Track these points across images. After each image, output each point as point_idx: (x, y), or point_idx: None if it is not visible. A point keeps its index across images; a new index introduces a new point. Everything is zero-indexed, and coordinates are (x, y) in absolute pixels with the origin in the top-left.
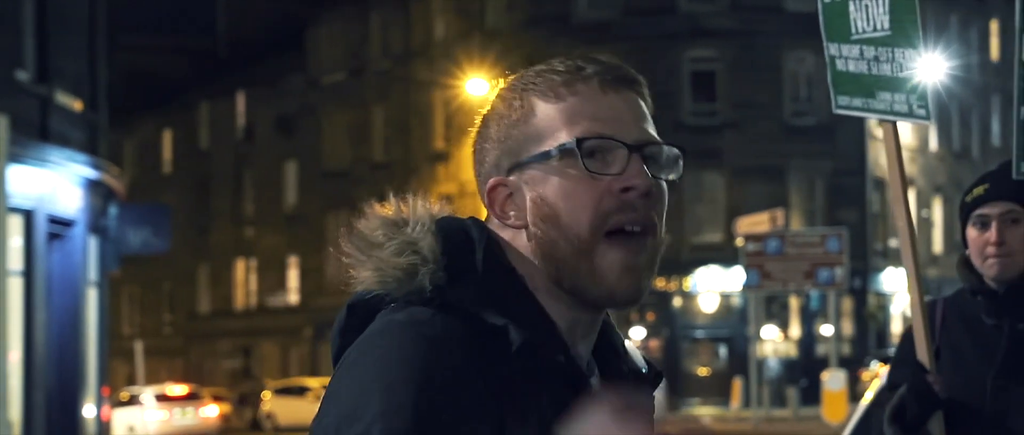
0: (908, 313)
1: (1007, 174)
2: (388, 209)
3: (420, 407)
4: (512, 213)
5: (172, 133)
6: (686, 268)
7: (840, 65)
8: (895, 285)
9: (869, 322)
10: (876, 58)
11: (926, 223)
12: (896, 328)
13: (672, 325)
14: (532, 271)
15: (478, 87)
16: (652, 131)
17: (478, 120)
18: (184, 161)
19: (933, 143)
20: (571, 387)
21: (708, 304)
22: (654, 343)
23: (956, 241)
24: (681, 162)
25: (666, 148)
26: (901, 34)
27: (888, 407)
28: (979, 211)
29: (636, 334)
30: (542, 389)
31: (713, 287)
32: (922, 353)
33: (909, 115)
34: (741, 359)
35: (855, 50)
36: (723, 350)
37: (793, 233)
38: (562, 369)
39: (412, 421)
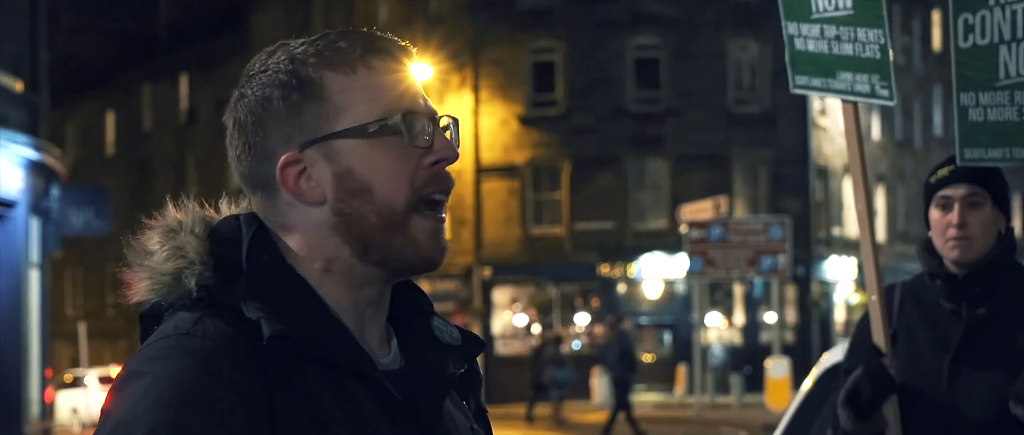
0: (851, 300)
1: None
2: (173, 214)
3: (178, 428)
4: (308, 189)
5: (115, 115)
6: (630, 255)
7: (799, 44)
8: (838, 274)
9: (812, 310)
10: (837, 37)
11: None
12: (839, 316)
13: (616, 311)
14: (322, 252)
15: (421, 72)
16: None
17: (239, 97)
18: (127, 143)
19: (875, 132)
20: (348, 368)
21: (652, 291)
22: (598, 329)
23: (899, 230)
24: (457, 132)
25: (448, 117)
26: (864, 13)
27: (842, 390)
28: (942, 192)
29: (580, 320)
30: (318, 375)
31: (657, 274)
32: (879, 336)
33: (871, 96)
34: (685, 346)
35: (815, 29)
36: (667, 337)
37: (736, 221)
38: (332, 352)
39: None
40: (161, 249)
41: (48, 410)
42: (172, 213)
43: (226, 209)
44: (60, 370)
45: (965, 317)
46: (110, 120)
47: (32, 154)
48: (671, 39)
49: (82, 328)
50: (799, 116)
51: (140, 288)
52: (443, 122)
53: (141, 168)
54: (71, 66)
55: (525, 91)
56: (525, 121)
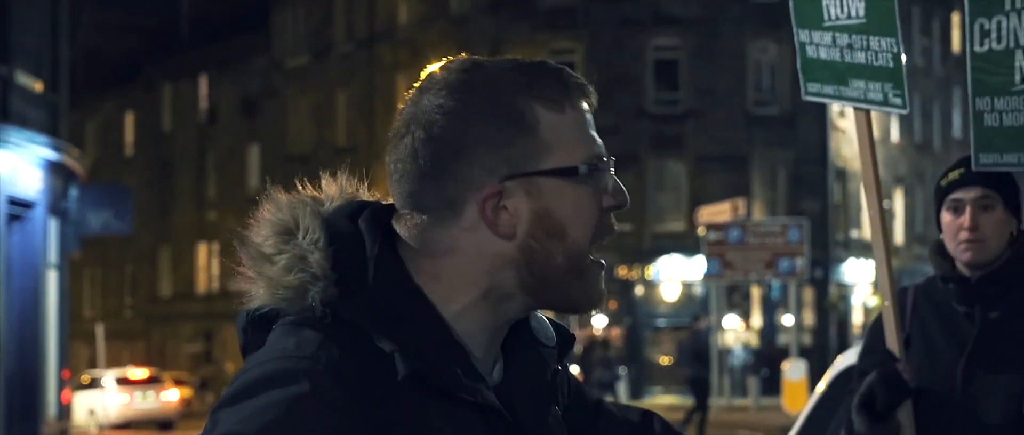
0: (869, 303)
1: None
2: (283, 205)
3: None
4: (503, 222)
5: (134, 115)
6: (648, 256)
7: (810, 52)
8: (856, 276)
9: (830, 313)
10: (850, 45)
11: (887, 214)
12: (857, 319)
13: (634, 313)
14: (490, 280)
15: None
16: None
17: (447, 113)
18: (146, 143)
19: (895, 134)
20: (471, 403)
21: (670, 293)
22: (616, 331)
23: (917, 233)
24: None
25: (611, 158)
26: (877, 22)
27: (856, 395)
28: (953, 195)
29: (598, 322)
30: (437, 408)
31: (675, 276)
32: (892, 341)
33: (884, 104)
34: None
35: (827, 37)
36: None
37: (755, 222)
38: (460, 389)
39: None
40: (280, 255)
41: (65, 411)
42: (282, 202)
43: (330, 188)
44: (77, 371)
45: (979, 319)
46: (130, 120)
47: (51, 154)
48: (691, 40)
49: (100, 329)
50: (818, 118)
51: (259, 296)
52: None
53: (161, 168)
54: (91, 65)
55: None
56: None
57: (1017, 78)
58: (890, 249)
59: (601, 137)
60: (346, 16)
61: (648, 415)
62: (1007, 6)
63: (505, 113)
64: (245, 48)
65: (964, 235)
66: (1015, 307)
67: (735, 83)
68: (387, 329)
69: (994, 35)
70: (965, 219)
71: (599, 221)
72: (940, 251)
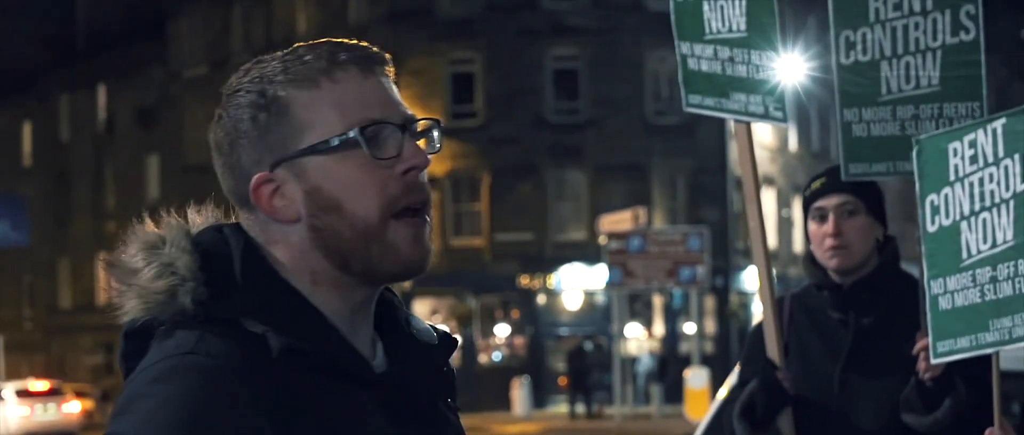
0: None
1: None
2: (149, 229)
3: None
4: (282, 208)
5: (31, 124)
6: (550, 266)
7: (692, 64)
8: (757, 284)
9: (731, 320)
10: (731, 59)
11: (787, 222)
12: None
13: (536, 322)
14: (307, 265)
15: None
16: (407, 106)
17: (217, 118)
18: (44, 153)
19: (793, 143)
20: (352, 376)
21: (572, 302)
22: (519, 340)
23: None
24: (438, 133)
25: (427, 122)
26: (759, 36)
27: (738, 403)
28: (817, 204)
29: (500, 331)
30: (321, 385)
31: (577, 285)
32: (772, 349)
33: (765, 116)
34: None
35: (709, 50)
36: (588, 347)
37: (655, 231)
38: (337, 361)
39: None
40: (148, 266)
41: None
42: (148, 226)
43: (195, 218)
44: None
45: (853, 326)
46: (27, 130)
47: None
48: (589, 49)
49: None
50: (717, 127)
51: (131, 307)
52: (422, 125)
53: (58, 178)
54: None
55: (444, 101)
56: (444, 132)
57: (883, 89)
58: (768, 257)
59: (501, 146)
60: (244, 25)
61: None
62: (871, 18)
63: (262, 103)
64: (142, 58)
65: (829, 242)
66: (887, 313)
67: (634, 92)
68: (257, 315)
69: (859, 47)
70: (829, 226)
71: (387, 185)
72: (813, 260)
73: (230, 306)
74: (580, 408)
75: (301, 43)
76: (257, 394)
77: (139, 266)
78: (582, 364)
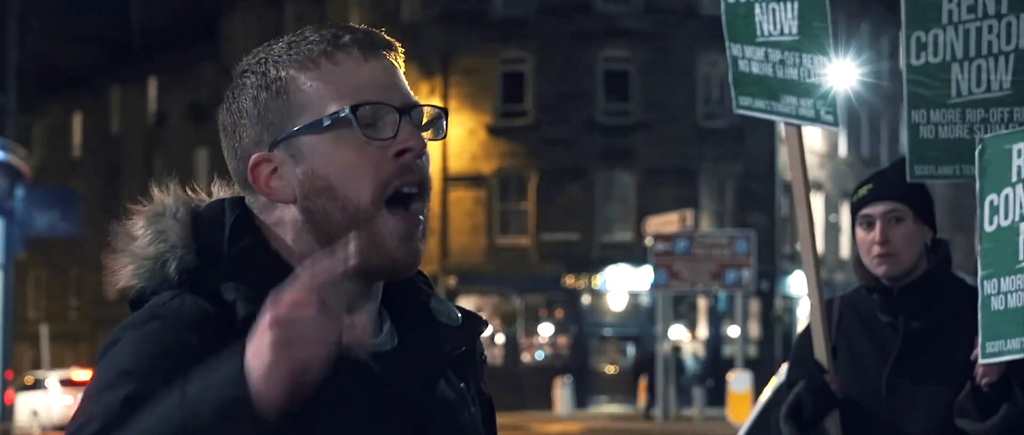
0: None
1: (891, 174)
2: (158, 198)
3: (140, 372)
4: (278, 188)
5: (82, 117)
6: (595, 266)
7: (743, 66)
8: (802, 288)
9: (775, 325)
10: (782, 62)
11: (834, 228)
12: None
13: (580, 323)
14: (300, 247)
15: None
16: (412, 93)
17: (225, 99)
18: (94, 146)
19: (842, 149)
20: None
21: (617, 303)
22: (562, 340)
23: None
24: (444, 122)
25: (429, 108)
26: (810, 40)
27: (784, 405)
28: (864, 211)
29: (544, 330)
30: None
31: (622, 286)
32: (820, 352)
33: (816, 120)
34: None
35: (760, 52)
36: (630, 349)
37: (702, 234)
38: None
39: (131, 386)
40: (144, 233)
41: (7, 412)
42: (158, 197)
43: (218, 192)
44: (21, 372)
45: (902, 330)
46: (78, 122)
47: None
48: (641, 52)
49: (44, 330)
50: (766, 131)
51: (123, 273)
52: (428, 114)
53: (109, 171)
54: (40, 69)
55: (494, 101)
56: (494, 131)
57: (953, 91)
58: (818, 261)
59: (550, 147)
60: (296, 23)
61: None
62: (944, 20)
63: (264, 84)
64: (194, 54)
65: (876, 250)
66: (937, 317)
67: (685, 96)
68: (235, 282)
69: (930, 48)
70: (875, 233)
71: (380, 167)
72: (862, 263)
73: (213, 275)
74: (656, 410)
75: (309, 27)
76: (205, 347)
77: (137, 233)
78: (646, 365)
